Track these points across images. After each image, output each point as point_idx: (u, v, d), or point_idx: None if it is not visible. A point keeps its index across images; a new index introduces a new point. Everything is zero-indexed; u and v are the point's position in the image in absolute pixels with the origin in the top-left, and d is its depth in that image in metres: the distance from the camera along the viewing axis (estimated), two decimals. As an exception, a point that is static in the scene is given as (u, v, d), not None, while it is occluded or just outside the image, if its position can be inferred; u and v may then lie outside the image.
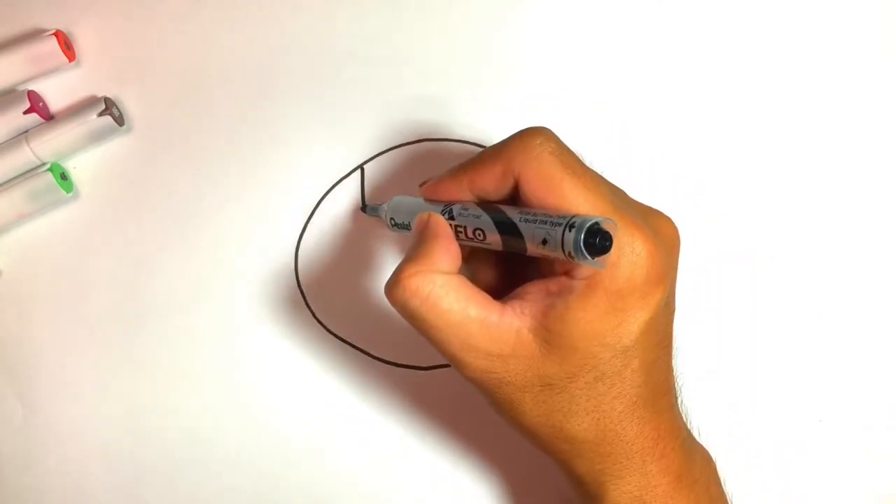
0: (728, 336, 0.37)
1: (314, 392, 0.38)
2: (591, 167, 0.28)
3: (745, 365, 0.37)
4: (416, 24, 0.37)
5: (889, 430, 0.36)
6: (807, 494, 0.37)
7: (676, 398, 0.30)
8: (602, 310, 0.26)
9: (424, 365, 0.37)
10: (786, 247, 0.37)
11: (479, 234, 0.28)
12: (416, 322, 0.27)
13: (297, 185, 0.38)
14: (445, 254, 0.28)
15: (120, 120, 0.37)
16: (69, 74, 0.38)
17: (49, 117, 0.38)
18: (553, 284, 0.27)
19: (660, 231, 0.28)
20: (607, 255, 0.24)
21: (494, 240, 0.28)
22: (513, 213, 0.27)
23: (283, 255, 0.38)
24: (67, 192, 0.37)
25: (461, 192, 0.29)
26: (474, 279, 0.30)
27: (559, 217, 0.25)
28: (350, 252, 0.38)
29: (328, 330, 0.38)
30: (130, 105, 0.38)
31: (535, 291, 0.27)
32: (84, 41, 0.38)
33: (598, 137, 0.37)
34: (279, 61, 0.38)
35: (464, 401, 0.37)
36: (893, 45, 0.36)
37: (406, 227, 0.32)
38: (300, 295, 0.38)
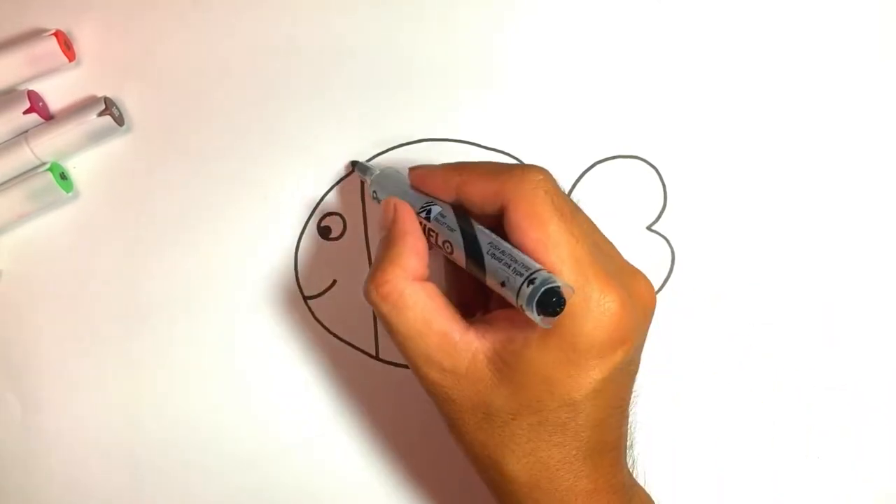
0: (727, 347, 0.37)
1: (314, 391, 0.38)
2: (584, 216, 0.28)
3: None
4: (416, 23, 0.37)
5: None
6: None
7: (625, 454, 0.30)
8: (557, 358, 0.26)
9: (424, 365, 0.37)
10: (786, 248, 0.37)
11: (448, 247, 0.28)
12: (385, 326, 0.28)
13: (297, 184, 0.38)
14: (414, 255, 0.28)
15: (120, 120, 0.37)
16: (69, 74, 0.38)
17: (49, 117, 0.38)
18: (520, 317, 0.26)
19: (635, 293, 0.28)
20: (555, 318, 0.24)
21: (459, 259, 0.28)
22: (484, 241, 0.27)
23: (283, 254, 0.38)
24: (67, 192, 0.37)
25: (447, 192, 0.29)
26: (451, 289, 0.30)
27: (524, 266, 0.25)
28: (349, 252, 0.38)
29: (328, 330, 0.38)
30: (130, 105, 0.38)
31: (501, 319, 0.28)
32: (84, 41, 0.38)
33: (597, 138, 0.37)
34: (279, 61, 0.38)
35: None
36: (893, 45, 0.36)
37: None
38: (300, 294, 0.38)
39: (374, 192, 0.34)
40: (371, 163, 0.37)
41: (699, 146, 0.37)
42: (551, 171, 0.27)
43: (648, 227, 0.37)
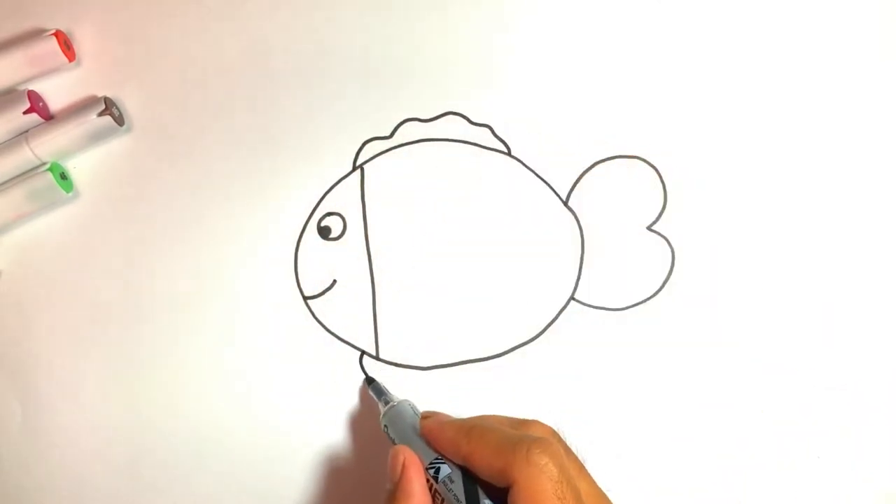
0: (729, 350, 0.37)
1: (314, 391, 0.38)
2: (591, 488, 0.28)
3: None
4: (416, 24, 0.37)
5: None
6: None
7: None
8: None
9: (424, 365, 0.37)
10: (786, 248, 0.37)
11: None
12: None
13: (297, 184, 0.38)
14: None
15: (120, 120, 0.37)
16: (69, 74, 0.38)
17: (49, 117, 0.38)
18: None
19: None
20: None
21: None
22: None
23: (282, 254, 0.38)
24: (67, 192, 0.37)
25: (457, 455, 0.29)
26: None
27: None
28: (349, 252, 0.38)
29: (328, 330, 0.38)
30: (130, 105, 0.38)
31: None
32: (84, 41, 0.38)
33: (597, 138, 0.37)
34: (279, 61, 0.38)
35: (464, 401, 0.37)
36: (893, 45, 0.36)
37: (393, 441, 0.32)
38: (300, 294, 0.38)
39: (385, 426, 0.33)
40: (385, 386, 0.36)
41: (699, 146, 0.37)
42: (556, 432, 0.29)
43: (648, 227, 0.37)
